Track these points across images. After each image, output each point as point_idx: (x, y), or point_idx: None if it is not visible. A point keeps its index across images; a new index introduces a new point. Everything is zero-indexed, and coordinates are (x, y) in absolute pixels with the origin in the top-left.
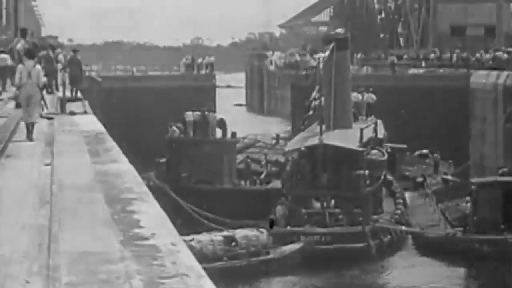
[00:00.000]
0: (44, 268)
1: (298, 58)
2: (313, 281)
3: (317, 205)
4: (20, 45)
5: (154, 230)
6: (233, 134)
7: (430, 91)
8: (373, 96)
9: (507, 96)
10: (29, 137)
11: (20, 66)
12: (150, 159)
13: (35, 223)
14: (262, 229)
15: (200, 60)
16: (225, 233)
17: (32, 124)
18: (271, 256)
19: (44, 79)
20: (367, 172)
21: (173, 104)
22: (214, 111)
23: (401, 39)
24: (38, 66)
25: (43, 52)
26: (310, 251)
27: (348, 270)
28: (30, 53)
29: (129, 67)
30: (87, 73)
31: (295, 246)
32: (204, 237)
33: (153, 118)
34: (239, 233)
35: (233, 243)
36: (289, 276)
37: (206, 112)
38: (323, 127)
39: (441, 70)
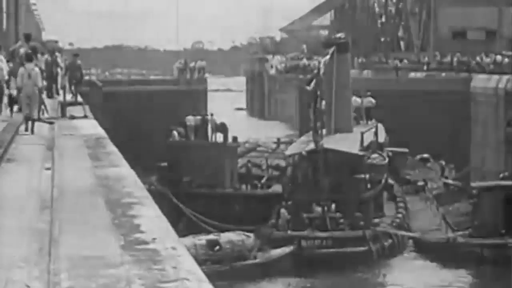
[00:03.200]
0: (45, 272)
1: (306, 62)
2: (307, 285)
3: (318, 209)
4: (23, 50)
5: (154, 235)
6: (234, 139)
7: (431, 95)
8: (372, 100)
9: (508, 100)
10: (31, 131)
11: (21, 69)
12: (151, 163)
13: (35, 228)
14: (248, 233)
15: (192, 64)
16: (209, 236)
17: (33, 120)
18: (257, 260)
19: (40, 82)
20: (367, 176)
21: (168, 108)
22: (207, 115)
23: (402, 43)
24: (37, 69)
25: (44, 56)
26: (301, 255)
27: (349, 274)
28: (29, 57)
29: (126, 70)
30: (87, 77)
31: (285, 250)
32: (187, 240)
33: (152, 122)
34: (224, 237)
35: (217, 247)
36: (279, 280)
37: (207, 116)
38: (324, 131)
39: (442, 74)
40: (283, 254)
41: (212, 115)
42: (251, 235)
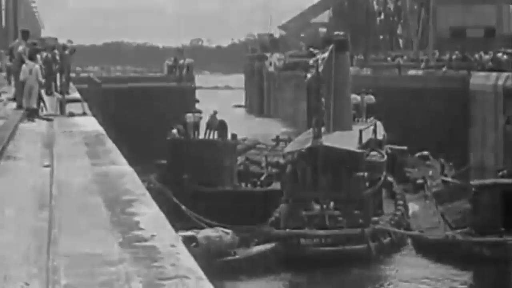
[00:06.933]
0: (44, 270)
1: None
2: (292, 282)
3: (317, 207)
4: (21, 47)
5: (153, 232)
6: (233, 136)
7: (430, 93)
8: (372, 98)
9: (507, 97)
10: (31, 119)
11: (23, 66)
12: (150, 160)
13: (34, 225)
14: (227, 230)
15: (181, 62)
16: (187, 233)
17: (33, 111)
18: (237, 256)
19: (41, 77)
20: (366, 174)
21: (160, 105)
22: (198, 112)
23: (401, 41)
24: (37, 66)
25: (43, 54)
26: (284, 252)
27: (348, 271)
28: (32, 55)
29: (119, 67)
30: (85, 74)
31: (266, 246)
32: None
33: (148, 119)
34: (202, 233)
35: (194, 244)
36: (260, 277)
37: (197, 114)
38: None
39: (442, 71)
40: (264, 250)
41: (216, 112)
42: (230, 231)
